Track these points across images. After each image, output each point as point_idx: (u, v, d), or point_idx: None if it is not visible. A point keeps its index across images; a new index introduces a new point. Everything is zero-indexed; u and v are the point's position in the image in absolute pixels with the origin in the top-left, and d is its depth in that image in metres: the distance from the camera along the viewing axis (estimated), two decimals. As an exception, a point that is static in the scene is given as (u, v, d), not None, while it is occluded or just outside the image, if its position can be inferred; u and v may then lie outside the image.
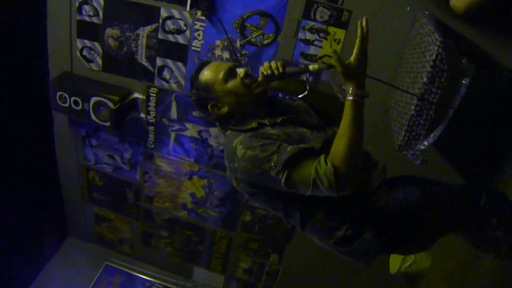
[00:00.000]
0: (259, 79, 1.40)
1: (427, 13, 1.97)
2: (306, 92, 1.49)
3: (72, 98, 2.69)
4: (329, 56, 2.36)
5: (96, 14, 2.58)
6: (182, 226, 3.42)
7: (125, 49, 2.66)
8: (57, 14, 2.66)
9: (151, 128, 2.94)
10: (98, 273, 3.63)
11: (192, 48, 2.54)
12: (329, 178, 1.18)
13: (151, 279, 3.67)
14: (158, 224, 3.47)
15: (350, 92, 1.23)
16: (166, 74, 2.68)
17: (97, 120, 2.73)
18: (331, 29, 2.31)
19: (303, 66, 1.37)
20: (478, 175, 2.38)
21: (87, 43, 2.71)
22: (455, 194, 1.54)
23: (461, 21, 2.04)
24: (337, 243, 1.46)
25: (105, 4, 2.54)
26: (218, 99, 1.45)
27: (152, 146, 3.02)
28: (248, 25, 2.40)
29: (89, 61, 2.77)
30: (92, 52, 2.73)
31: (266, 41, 2.43)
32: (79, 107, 2.71)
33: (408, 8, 2.12)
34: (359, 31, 1.20)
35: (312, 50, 2.39)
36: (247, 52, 2.48)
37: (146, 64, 2.68)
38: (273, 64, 1.37)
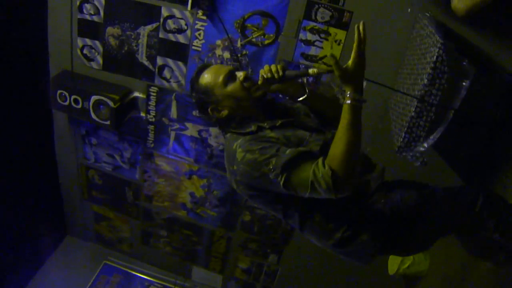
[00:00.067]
0: (259, 82, 1.41)
1: (428, 15, 1.97)
2: (305, 96, 1.51)
3: (72, 97, 2.69)
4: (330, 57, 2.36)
5: (97, 12, 2.58)
6: (181, 226, 3.42)
7: (125, 48, 2.66)
8: (58, 12, 2.66)
9: (151, 127, 2.94)
10: (97, 272, 3.63)
11: (193, 47, 2.54)
12: (327, 181, 1.20)
13: (150, 279, 3.67)
14: (157, 223, 3.47)
15: (347, 96, 1.24)
16: (166, 73, 2.68)
17: (97, 119, 2.73)
18: (332, 30, 2.31)
19: (303, 69, 1.38)
20: (478, 177, 2.38)
21: (88, 41, 2.71)
22: (452, 196, 1.55)
23: (462, 23, 2.04)
24: (335, 244, 1.48)
25: (106, 3, 2.54)
26: (218, 102, 1.46)
27: (152, 145, 3.02)
28: (249, 25, 2.40)
29: (89, 59, 2.77)
30: (93, 50, 2.73)
31: (267, 42, 2.43)
32: (79, 106, 2.71)
33: (409, 10, 2.12)
34: (356, 35, 1.21)
35: (312, 51, 2.39)
36: (247, 52, 2.48)
37: (146, 63, 2.68)
38: (273, 67, 1.38)
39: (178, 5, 2.42)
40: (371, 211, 1.46)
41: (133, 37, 2.60)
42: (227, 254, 3.50)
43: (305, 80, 2.49)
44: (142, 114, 2.89)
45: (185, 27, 2.49)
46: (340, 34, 2.31)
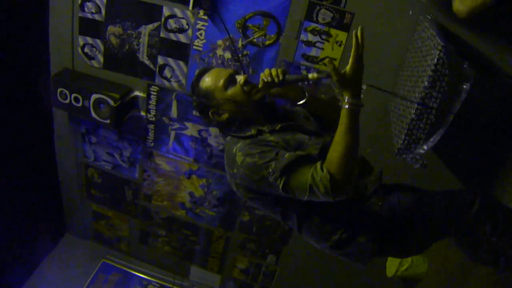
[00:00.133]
0: (260, 85, 1.42)
1: (429, 17, 1.97)
2: (305, 99, 1.53)
3: (73, 95, 2.69)
4: (331, 58, 2.37)
5: (99, 11, 2.58)
6: (180, 225, 3.42)
7: (126, 47, 2.66)
8: (59, 11, 2.66)
9: (151, 126, 2.94)
10: (95, 270, 3.63)
11: (194, 47, 2.54)
12: (325, 184, 1.21)
13: (148, 278, 3.67)
14: (156, 222, 3.47)
15: (346, 100, 1.26)
16: (167, 72, 2.68)
17: (97, 118, 2.73)
18: (333, 31, 2.32)
19: (303, 74, 1.41)
20: (477, 180, 2.38)
21: (89, 40, 2.71)
22: (449, 199, 1.56)
23: (463, 26, 2.04)
24: (333, 246, 1.49)
25: (107, 2, 2.54)
26: (219, 106, 1.47)
27: (152, 144, 3.02)
28: (250, 25, 2.40)
29: (90, 58, 2.77)
30: (94, 49, 2.73)
31: (268, 42, 2.43)
32: (80, 104, 2.71)
33: (411, 12, 2.13)
34: (354, 41, 1.22)
35: (313, 52, 2.39)
36: (248, 52, 2.48)
37: (147, 62, 2.68)
38: (273, 71, 1.40)
39: (180, 4, 2.42)
40: (369, 213, 1.48)
41: (134, 36, 2.60)
42: (225, 254, 3.50)
43: (306, 83, 2.48)
44: (142, 113, 2.89)
45: (186, 27, 2.49)
46: (341, 36, 2.32)
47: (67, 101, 2.72)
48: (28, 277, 3.42)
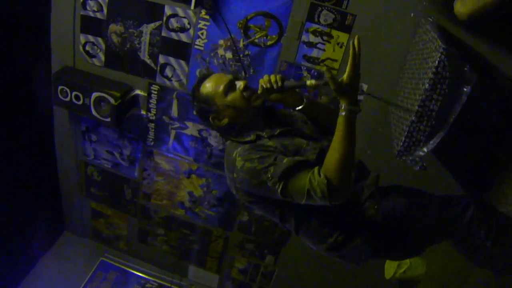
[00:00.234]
0: (259, 91, 1.46)
1: (430, 19, 1.97)
2: (303, 105, 1.57)
3: (74, 93, 2.69)
4: (332, 59, 2.38)
5: (100, 9, 2.59)
6: (179, 225, 3.42)
7: (128, 46, 2.66)
8: (61, 8, 2.66)
9: (151, 125, 2.94)
10: (93, 268, 3.63)
11: (195, 46, 2.55)
12: (322, 189, 1.25)
13: (146, 277, 3.67)
14: (155, 221, 3.47)
15: (342, 108, 1.29)
16: (168, 72, 2.68)
17: (97, 116, 2.73)
18: (335, 33, 2.32)
19: (301, 81, 1.44)
20: (477, 183, 2.38)
21: (90, 38, 2.71)
22: (443, 205, 1.60)
23: (464, 28, 2.04)
24: (329, 248, 1.54)
25: (109, 0, 2.54)
26: (219, 111, 1.51)
27: (152, 143, 3.02)
28: (252, 25, 2.40)
29: (91, 56, 2.77)
30: (95, 47, 2.73)
31: (269, 43, 2.43)
32: (80, 102, 2.71)
33: (412, 14, 2.13)
34: (351, 50, 1.25)
35: (315, 53, 2.39)
36: (250, 52, 2.48)
37: (148, 61, 2.68)
38: (272, 77, 1.43)
39: (182, 3, 2.42)
40: (364, 217, 1.52)
41: (135, 34, 2.61)
42: (224, 254, 3.49)
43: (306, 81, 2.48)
44: (143, 112, 2.89)
45: (188, 26, 2.50)
46: (343, 37, 2.32)
47: (68, 99, 2.72)
48: (26, 274, 3.42)
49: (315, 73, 2.44)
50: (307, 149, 1.45)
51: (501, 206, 2.02)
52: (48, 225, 3.65)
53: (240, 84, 1.50)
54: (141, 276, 3.67)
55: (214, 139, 2.87)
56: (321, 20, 2.30)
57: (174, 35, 2.55)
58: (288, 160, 1.33)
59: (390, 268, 2.72)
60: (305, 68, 2.44)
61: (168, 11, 2.48)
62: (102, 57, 2.76)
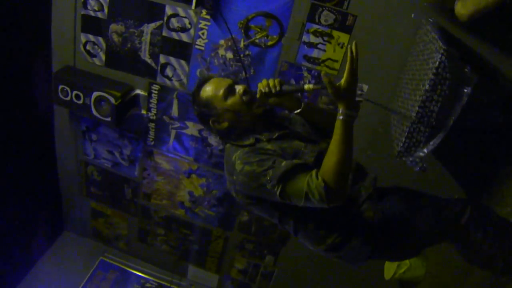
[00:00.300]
0: (257, 95, 1.48)
1: (431, 20, 1.98)
2: (301, 109, 1.59)
3: (74, 92, 2.69)
4: (332, 60, 2.39)
5: (101, 9, 2.59)
6: (179, 224, 3.42)
7: (128, 45, 2.66)
8: (62, 8, 2.66)
9: (152, 125, 2.94)
10: (93, 267, 3.63)
11: (196, 46, 2.55)
12: (320, 192, 1.28)
13: (146, 276, 3.67)
14: (155, 221, 3.47)
15: (340, 112, 1.31)
16: (168, 71, 2.69)
17: (98, 115, 2.73)
18: (335, 33, 2.32)
19: (299, 85, 1.45)
20: (476, 185, 2.38)
21: (91, 37, 2.71)
22: (440, 208, 1.61)
23: (465, 29, 2.04)
24: (327, 249, 1.56)
25: (110, 0, 2.54)
26: (219, 115, 1.53)
27: (152, 143, 3.02)
28: (252, 26, 2.40)
29: (92, 55, 2.77)
30: (96, 47, 2.73)
31: (270, 43, 2.43)
32: (81, 102, 2.71)
33: (413, 15, 2.13)
34: (348, 55, 1.27)
35: (315, 53, 2.39)
36: (250, 53, 2.48)
37: (149, 61, 2.68)
38: (271, 81, 1.46)
39: (182, 3, 2.42)
40: (362, 218, 1.54)
41: (136, 34, 2.61)
42: (223, 254, 3.50)
43: (307, 82, 2.49)
44: (143, 112, 2.90)
45: (189, 26, 2.50)
46: (343, 37, 2.32)
47: (68, 98, 2.72)
48: (26, 273, 3.42)
49: (316, 74, 2.45)
50: (306, 152, 1.48)
51: (500, 207, 2.03)
52: (48, 224, 3.66)
53: (239, 88, 1.53)
54: (140, 276, 3.67)
55: (214, 139, 2.87)
56: (322, 21, 2.30)
57: (175, 35, 2.55)
58: (286, 163, 1.35)
59: (390, 268, 2.72)
60: (305, 68, 2.44)
61: (169, 11, 2.48)
62: (103, 57, 2.76)
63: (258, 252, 3.37)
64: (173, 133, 2.94)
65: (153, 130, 2.96)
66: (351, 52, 1.25)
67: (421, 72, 1.81)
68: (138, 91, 2.81)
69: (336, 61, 2.38)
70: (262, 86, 1.47)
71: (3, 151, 2.77)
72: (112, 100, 2.64)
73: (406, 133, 1.78)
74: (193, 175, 3.09)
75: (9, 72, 2.63)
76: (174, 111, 2.84)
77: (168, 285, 3.65)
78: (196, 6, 2.30)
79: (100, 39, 2.70)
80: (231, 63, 2.54)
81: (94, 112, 2.73)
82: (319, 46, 2.37)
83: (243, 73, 2.52)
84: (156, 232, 3.54)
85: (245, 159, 1.41)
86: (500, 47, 2.05)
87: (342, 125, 1.31)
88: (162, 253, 3.65)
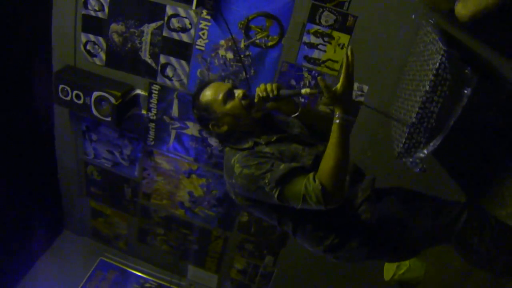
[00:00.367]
0: (255, 99, 1.51)
1: (431, 21, 1.98)
2: (298, 113, 1.62)
3: (74, 92, 2.69)
4: (333, 60, 2.39)
5: (102, 9, 2.59)
6: (179, 224, 3.42)
7: (129, 45, 2.66)
8: (62, 7, 2.66)
9: (152, 125, 2.94)
10: (93, 267, 3.63)
11: (196, 46, 2.55)
12: (317, 194, 1.30)
13: (145, 276, 3.67)
14: (155, 221, 3.47)
15: (336, 116, 1.34)
16: (169, 71, 2.69)
17: (98, 115, 2.73)
18: (336, 34, 2.32)
19: (296, 89, 1.48)
20: (476, 186, 2.38)
21: (92, 37, 2.71)
22: (437, 210, 1.63)
23: (465, 30, 2.04)
24: (326, 250, 1.59)
25: (111, 0, 2.54)
26: (218, 119, 1.55)
27: (152, 143, 3.02)
28: (253, 26, 2.40)
29: (92, 55, 2.77)
30: (96, 46, 2.73)
31: (270, 43, 2.43)
32: (81, 101, 2.71)
33: (413, 16, 2.13)
34: (344, 60, 1.29)
35: (316, 54, 2.39)
36: (251, 53, 2.48)
37: (149, 61, 2.68)
38: (268, 86, 1.49)
39: (183, 4, 2.43)
40: (359, 220, 1.56)
41: (136, 34, 2.61)
42: (223, 254, 3.50)
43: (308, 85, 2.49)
44: (144, 112, 2.90)
45: (189, 26, 2.50)
46: (344, 38, 2.32)
47: (69, 98, 2.72)
48: (26, 273, 3.42)
49: (316, 74, 2.45)
50: (304, 155, 1.50)
51: (501, 208, 2.02)
52: (48, 224, 3.66)
53: (238, 92, 1.55)
54: (140, 276, 3.67)
55: (214, 139, 2.87)
56: (322, 21, 2.30)
57: (175, 35, 2.55)
58: (284, 166, 1.37)
59: (389, 269, 2.72)
60: (306, 69, 2.44)
61: (169, 11, 2.48)
62: (103, 57, 2.76)
63: (258, 253, 3.37)
64: (173, 133, 2.94)
65: (153, 130, 2.96)
66: (347, 57, 1.27)
67: (422, 73, 1.81)
68: (138, 91, 2.81)
69: (337, 61, 2.38)
70: (260, 90, 1.49)
71: (3, 151, 2.77)
72: (112, 100, 2.64)
73: (406, 134, 1.79)
74: (193, 175, 3.09)
75: (9, 72, 2.62)
76: (174, 111, 2.84)
77: (168, 285, 3.65)
78: (196, 6, 2.30)
79: (101, 39, 2.70)
80: (232, 63, 2.54)
81: (94, 112, 2.73)
82: (319, 46, 2.37)
83: (244, 73, 2.52)
84: (155, 232, 3.54)
85: (243, 162, 1.43)
86: (501, 48, 2.05)
87: (339, 128, 1.33)
88: (161, 253, 3.65)
